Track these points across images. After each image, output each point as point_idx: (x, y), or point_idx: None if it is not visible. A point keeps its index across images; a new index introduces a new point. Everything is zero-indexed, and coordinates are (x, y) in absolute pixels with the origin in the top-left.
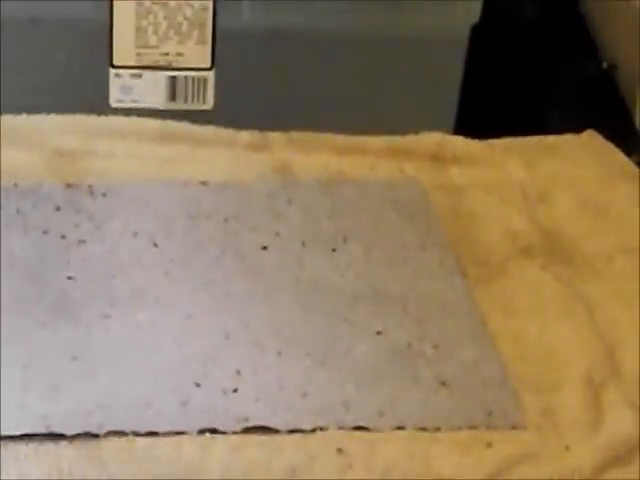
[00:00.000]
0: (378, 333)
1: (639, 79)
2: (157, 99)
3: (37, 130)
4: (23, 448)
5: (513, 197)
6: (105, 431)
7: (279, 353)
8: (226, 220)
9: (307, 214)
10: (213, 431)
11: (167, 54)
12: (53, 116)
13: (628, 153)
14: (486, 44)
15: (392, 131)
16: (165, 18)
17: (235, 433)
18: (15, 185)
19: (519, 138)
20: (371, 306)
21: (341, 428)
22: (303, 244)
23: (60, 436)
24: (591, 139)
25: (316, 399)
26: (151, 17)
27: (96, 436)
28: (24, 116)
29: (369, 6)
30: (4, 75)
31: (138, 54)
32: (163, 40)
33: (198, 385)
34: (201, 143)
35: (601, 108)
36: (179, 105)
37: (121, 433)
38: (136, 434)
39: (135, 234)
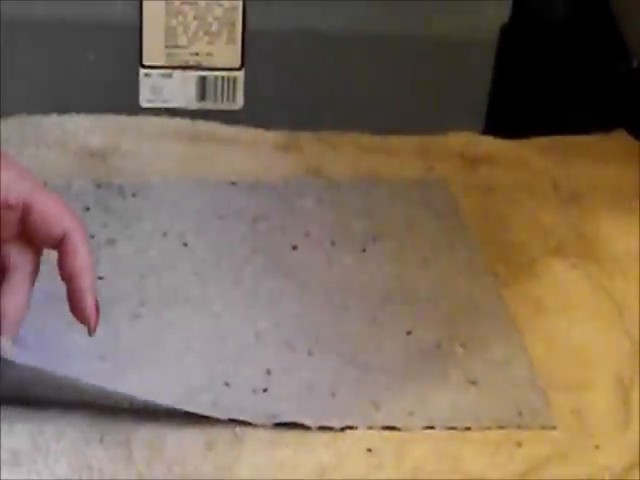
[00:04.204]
0: (408, 333)
1: None
2: (187, 99)
3: (67, 130)
4: (53, 446)
5: (543, 196)
6: (135, 430)
7: (309, 353)
8: (256, 220)
9: (337, 214)
10: (243, 431)
11: (197, 54)
12: (83, 116)
13: None
14: (515, 43)
15: (421, 131)
16: (195, 18)
17: (265, 432)
18: (45, 185)
19: (549, 137)
20: (401, 306)
21: (370, 428)
22: (333, 244)
23: (90, 435)
24: (621, 138)
25: (346, 399)
26: (181, 17)
27: (125, 435)
28: (54, 116)
29: (398, 7)
30: (35, 75)
31: (168, 54)
32: (193, 40)
33: (228, 384)
34: (230, 143)
35: (631, 107)
36: (209, 105)
37: (151, 432)
38: (166, 434)
39: (165, 234)
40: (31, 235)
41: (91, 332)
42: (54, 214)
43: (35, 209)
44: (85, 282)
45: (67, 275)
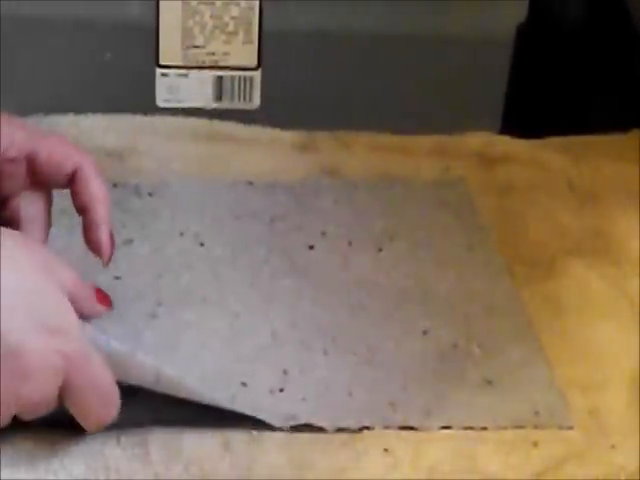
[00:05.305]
0: (424, 332)
1: None
2: (203, 99)
3: (83, 130)
4: (70, 447)
5: (560, 196)
6: (151, 429)
7: (325, 352)
8: (272, 220)
9: (353, 214)
10: (260, 431)
11: (213, 54)
12: (100, 116)
13: None
14: (532, 43)
15: (438, 131)
16: (211, 18)
17: (282, 432)
18: None
19: (565, 137)
20: (417, 305)
21: (387, 428)
22: (350, 243)
23: (107, 436)
24: (638, 138)
25: (362, 399)
26: (197, 17)
27: (142, 435)
28: (70, 115)
29: (415, 6)
30: (52, 75)
31: (184, 54)
32: (209, 40)
33: (244, 384)
34: (247, 143)
35: None
36: (225, 105)
37: (168, 432)
38: (182, 434)
39: (181, 234)
40: (43, 180)
41: (105, 263)
42: (61, 153)
43: (40, 154)
44: (100, 211)
45: (81, 206)
